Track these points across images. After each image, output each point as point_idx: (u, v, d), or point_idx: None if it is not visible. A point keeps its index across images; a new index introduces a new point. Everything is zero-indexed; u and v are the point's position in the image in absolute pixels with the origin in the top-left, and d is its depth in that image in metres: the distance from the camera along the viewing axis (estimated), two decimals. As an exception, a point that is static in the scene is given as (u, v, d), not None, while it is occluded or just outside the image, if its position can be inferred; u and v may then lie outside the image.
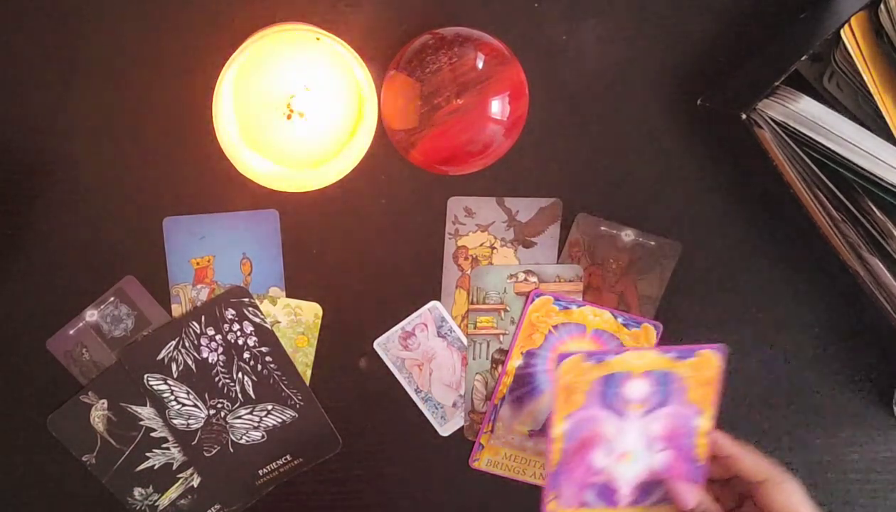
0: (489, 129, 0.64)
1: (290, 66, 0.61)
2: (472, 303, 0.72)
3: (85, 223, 0.69)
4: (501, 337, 0.72)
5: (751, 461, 0.59)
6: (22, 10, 0.66)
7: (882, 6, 0.59)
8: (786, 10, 0.68)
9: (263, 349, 0.70)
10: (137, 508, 0.72)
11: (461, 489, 0.73)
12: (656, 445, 0.60)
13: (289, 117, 0.62)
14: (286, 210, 0.70)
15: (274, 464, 0.72)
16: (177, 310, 0.70)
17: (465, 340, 0.72)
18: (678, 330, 0.72)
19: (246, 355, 0.70)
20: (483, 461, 0.73)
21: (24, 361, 0.70)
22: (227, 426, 0.71)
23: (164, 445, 0.71)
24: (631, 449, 0.61)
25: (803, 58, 0.60)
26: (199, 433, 0.71)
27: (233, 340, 0.70)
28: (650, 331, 0.71)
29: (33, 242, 0.69)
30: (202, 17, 0.67)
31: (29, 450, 0.71)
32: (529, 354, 0.72)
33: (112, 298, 0.70)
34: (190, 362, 0.70)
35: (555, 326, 0.71)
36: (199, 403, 0.71)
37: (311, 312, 0.71)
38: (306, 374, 0.71)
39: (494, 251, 0.71)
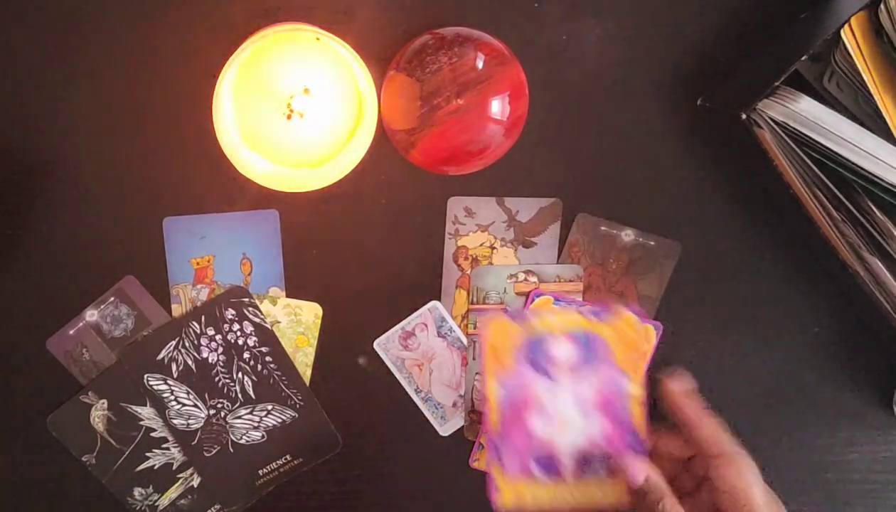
0: (489, 129, 0.64)
1: (290, 66, 0.61)
2: (472, 303, 0.72)
3: (85, 223, 0.69)
4: (501, 337, 0.72)
5: (709, 431, 0.58)
6: (22, 9, 0.66)
7: (882, 6, 0.59)
8: (786, 10, 0.68)
9: (263, 349, 0.70)
10: (137, 508, 0.72)
11: (461, 489, 0.73)
12: (591, 412, 0.62)
13: (289, 117, 0.62)
14: (286, 210, 0.70)
15: (274, 464, 0.72)
16: (177, 310, 0.70)
17: (465, 340, 0.72)
18: (678, 330, 0.72)
19: (246, 355, 0.70)
20: (483, 461, 0.73)
21: (24, 361, 0.70)
22: (227, 426, 0.71)
23: (164, 445, 0.71)
24: (567, 415, 0.62)
25: (803, 58, 0.60)
26: (199, 433, 0.71)
27: (233, 340, 0.70)
28: (650, 330, 0.71)
29: (33, 242, 0.69)
30: (202, 17, 0.67)
31: (29, 450, 0.71)
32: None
33: (112, 298, 0.70)
34: (190, 362, 0.70)
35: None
36: (199, 403, 0.71)
37: (311, 312, 0.71)
38: (306, 374, 0.71)
39: (494, 251, 0.71)
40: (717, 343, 0.73)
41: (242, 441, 0.72)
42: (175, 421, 0.71)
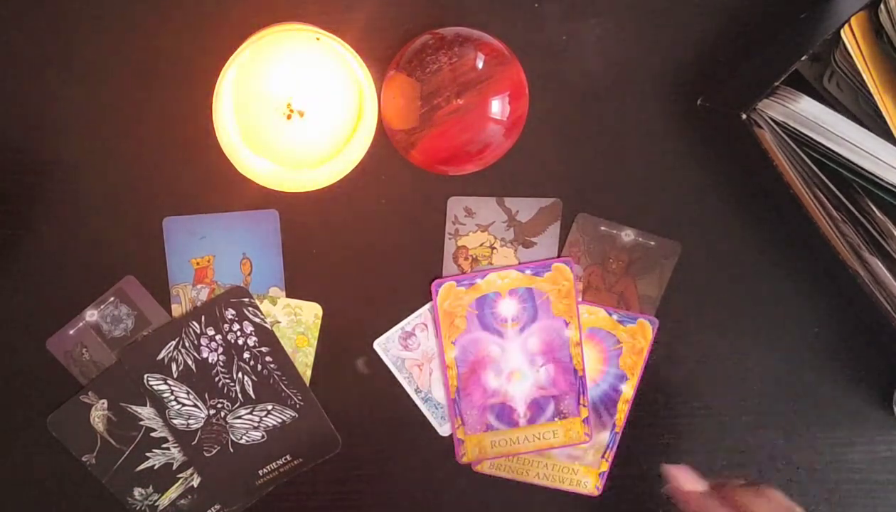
0: (489, 129, 0.64)
1: (290, 66, 0.61)
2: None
3: (85, 223, 0.69)
4: (501, 337, 0.73)
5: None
6: (22, 9, 0.66)
7: (882, 6, 0.59)
8: (786, 10, 0.68)
9: (263, 349, 0.70)
10: (137, 508, 0.72)
11: (461, 489, 0.73)
12: (538, 361, 0.69)
13: (289, 117, 0.62)
14: (286, 210, 0.70)
15: (274, 464, 0.72)
16: (177, 310, 0.70)
17: (465, 340, 0.72)
18: (678, 329, 0.72)
19: (246, 355, 0.70)
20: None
21: (24, 361, 0.70)
22: (227, 426, 0.71)
23: (164, 445, 0.71)
24: (516, 367, 0.69)
25: (803, 58, 0.60)
26: (199, 433, 0.71)
27: (233, 340, 0.70)
28: (646, 326, 0.71)
29: (33, 242, 0.69)
30: (202, 17, 0.67)
31: (29, 450, 0.71)
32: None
33: (112, 298, 0.70)
34: (190, 362, 0.70)
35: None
36: (199, 403, 0.71)
37: (311, 312, 0.71)
38: (306, 374, 0.71)
39: (494, 251, 0.71)
40: (717, 343, 0.73)
41: (242, 441, 0.72)
42: (175, 421, 0.71)
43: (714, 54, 0.69)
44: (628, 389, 0.72)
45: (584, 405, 0.71)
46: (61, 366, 0.70)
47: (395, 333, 0.72)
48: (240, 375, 0.70)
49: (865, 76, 0.60)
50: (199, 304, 0.70)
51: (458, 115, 0.63)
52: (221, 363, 0.70)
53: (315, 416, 0.72)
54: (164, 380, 0.70)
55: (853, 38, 0.60)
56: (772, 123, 0.61)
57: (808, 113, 0.61)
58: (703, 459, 0.73)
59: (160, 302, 0.70)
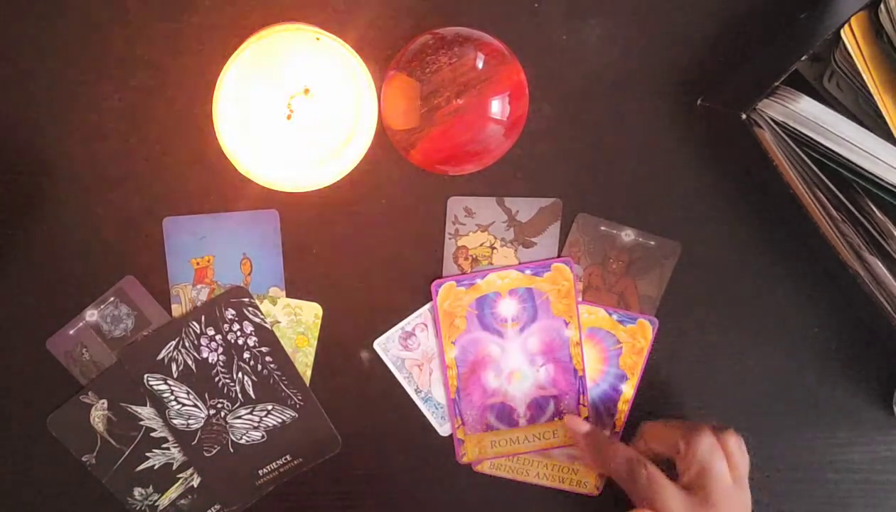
0: (489, 129, 0.64)
1: (290, 66, 0.61)
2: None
3: (85, 223, 0.69)
4: (501, 337, 0.73)
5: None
6: (22, 9, 0.66)
7: (882, 6, 0.59)
8: (786, 10, 0.68)
9: (263, 349, 0.70)
10: (137, 508, 0.72)
11: (461, 489, 0.73)
12: (538, 361, 0.69)
13: (289, 117, 0.62)
14: (286, 210, 0.70)
15: (274, 464, 0.72)
16: (177, 310, 0.70)
17: (465, 340, 0.72)
18: (678, 329, 0.72)
19: (246, 355, 0.70)
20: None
21: (24, 361, 0.70)
22: (227, 426, 0.71)
23: (164, 445, 0.71)
24: (516, 367, 0.69)
25: (803, 58, 0.60)
26: (199, 433, 0.71)
27: (233, 340, 0.70)
28: (646, 326, 0.71)
29: (33, 242, 0.69)
30: (202, 17, 0.67)
31: (29, 450, 0.71)
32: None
33: (112, 298, 0.70)
34: (190, 362, 0.70)
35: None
36: (199, 403, 0.71)
37: (311, 312, 0.71)
38: (306, 374, 0.71)
39: (494, 251, 0.71)
40: (717, 343, 0.73)
41: (242, 441, 0.72)
42: (175, 421, 0.71)
43: (714, 54, 0.69)
44: (628, 389, 0.72)
45: (584, 405, 0.71)
46: (61, 366, 0.70)
47: (395, 333, 0.72)
48: (240, 375, 0.70)
49: (865, 76, 0.60)
50: (199, 304, 0.70)
51: (458, 115, 0.63)
52: (221, 363, 0.70)
53: (315, 416, 0.72)
54: (164, 380, 0.70)
55: (853, 38, 0.60)
56: (772, 123, 0.61)
57: (808, 113, 0.61)
58: (703, 459, 0.73)
59: (160, 302, 0.70)
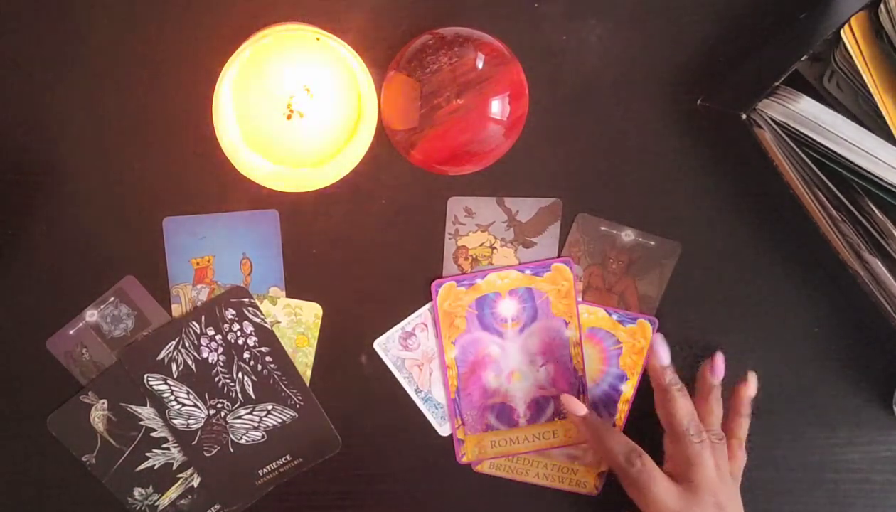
0: (489, 129, 0.64)
1: (290, 66, 0.61)
2: (472, 303, 0.72)
3: (85, 223, 0.69)
4: (501, 337, 0.73)
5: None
6: (21, 9, 0.66)
7: (882, 6, 0.59)
8: (786, 10, 0.68)
9: (263, 349, 0.70)
10: (137, 508, 0.72)
11: (461, 489, 0.73)
12: (538, 361, 0.69)
13: (289, 117, 0.62)
14: (286, 210, 0.70)
15: (274, 464, 0.72)
16: (177, 310, 0.70)
17: (465, 340, 0.72)
18: (678, 329, 0.72)
19: (246, 355, 0.70)
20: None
21: (24, 361, 0.70)
22: (227, 426, 0.71)
23: (164, 445, 0.71)
24: (516, 367, 0.69)
25: (803, 58, 0.60)
26: (199, 433, 0.71)
27: (233, 340, 0.70)
28: (646, 326, 0.71)
29: (33, 242, 0.69)
30: (202, 16, 0.67)
31: (29, 450, 0.71)
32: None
33: (112, 298, 0.70)
34: (190, 362, 0.70)
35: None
36: (199, 403, 0.71)
37: (311, 312, 0.71)
38: (306, 374, 0.71)
39: (494, 251, 0.71)
40: (717, 343, 0.73)
41: (242, 441, 0.72)
42: (175, 421, 0.71)
43: (714, 54, 0.69)
44: (628, 389, 0.72)
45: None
46: (61, 366, 0.70)
47: (395, 333, 0.72)
48: (240, 375, 0.70)
49: (865, 76, 0.60)
50: (199, 304, 0.70)
51: (458, 115, 0.63)
52: (221, 363, 0.70)
53: (315, 416, 0.72)
54: (164, 380, 0.70)
55: (853, 38, 0.60)
56: (772, 123, 0.61)
57: (808, 113, 0.61)
58: (703, 459, 0.73)
59: (160, 302, 0.70)
